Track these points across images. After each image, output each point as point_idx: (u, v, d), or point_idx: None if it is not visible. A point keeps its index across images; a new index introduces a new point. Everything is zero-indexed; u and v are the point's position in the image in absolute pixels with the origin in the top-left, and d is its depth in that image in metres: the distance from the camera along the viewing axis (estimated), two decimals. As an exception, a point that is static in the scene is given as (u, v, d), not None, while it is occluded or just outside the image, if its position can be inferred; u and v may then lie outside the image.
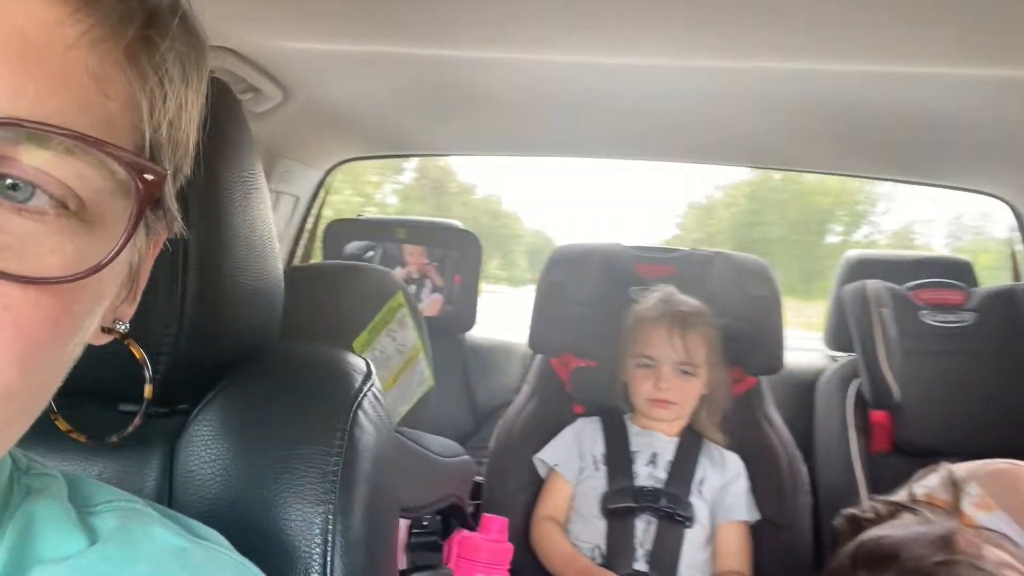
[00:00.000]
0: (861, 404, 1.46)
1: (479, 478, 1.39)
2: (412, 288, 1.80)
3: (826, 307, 1.73)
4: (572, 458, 1.31)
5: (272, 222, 0.62)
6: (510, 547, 1.06)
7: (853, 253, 1.71)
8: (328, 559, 0.49)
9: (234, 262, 0.55)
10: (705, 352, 1.30)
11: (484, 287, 1.91)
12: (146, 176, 0.33)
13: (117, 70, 0.32)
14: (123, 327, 0.41)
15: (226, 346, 0.56)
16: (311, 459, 0.51)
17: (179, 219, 0.41)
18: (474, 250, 1.70)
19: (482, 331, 1.78)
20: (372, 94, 1.38)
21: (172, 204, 0.40)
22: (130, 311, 0.41)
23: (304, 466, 0.51)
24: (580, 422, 1.36)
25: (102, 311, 0.36)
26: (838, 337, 1.66)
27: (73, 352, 0.35)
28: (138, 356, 0.46)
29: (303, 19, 1.06)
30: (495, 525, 1.07)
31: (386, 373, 0.88)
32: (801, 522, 1.28)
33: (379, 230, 1.68)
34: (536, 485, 1.34)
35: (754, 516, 1.28)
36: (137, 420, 0.47)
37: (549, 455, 1.33)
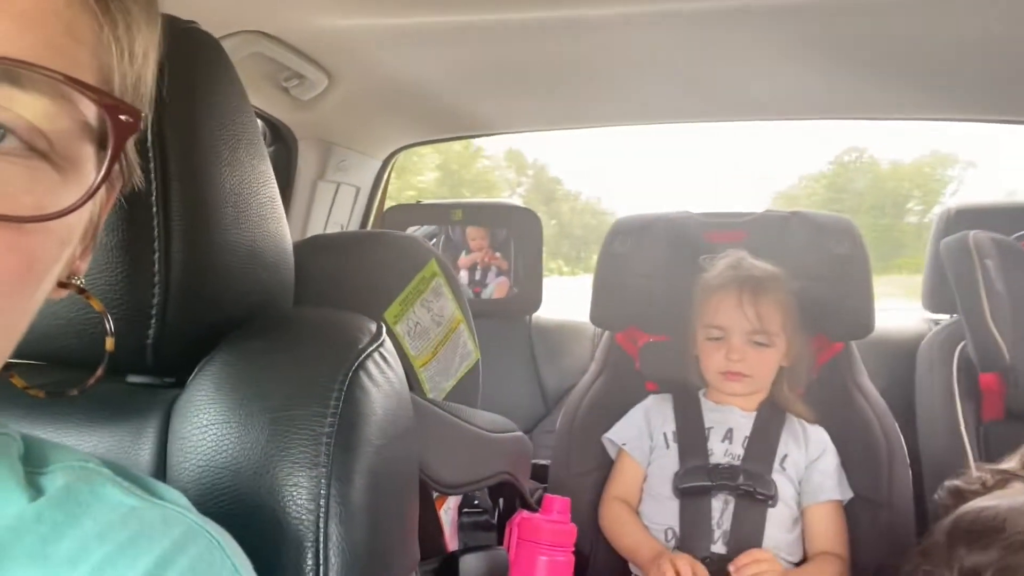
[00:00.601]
0: (968, 368, 1.32)
1: (543, 461, 1.34)
2: (477, 273, 1.76)
3: (924, 267, 1.58)
4: (642, 437, 1.23)
5: (273, 179, 0.59)
6: (574, 527, 1.01)
7: (951, 204, 1.55)
8: (321, 526, 0.45)
9: (223, 220, 0.52)
10: (781, 320, 1.19)
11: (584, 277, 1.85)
12: (121, 117, 0.32)
13: (86, 14, 0.32)
14: (79, 281, 0.40)
15: (222, 310, 0.54)
16: (303, 421, 0.48)
17: (138, 169, 0.41)
18: (534, 228, 1.65)
19: (548, 312, 1.72)
20: (420, 72, 1.34)
21: (132, 153, 0.40)
22: (84, 266, 0.40)
23: (295, 428, 0.47)
24: (650, 399, 1.29)
25: (65, 261, 0.36)
26: (938, 298, 1.52)
27: (38, 300, 0.34)
28: (98, 308, 0.44)
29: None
30: (557, 505, 1.01)
31: (424, 345, 0.84)
32: (902, 498, 1.16)
33: (437, 213, 1.65)
34: (605, 467, 1.27)
35: (846, 495, 1.17)
36: (99, 372, 0.44)
37: (617, 434, 1.26)
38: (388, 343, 0.58)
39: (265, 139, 1.51)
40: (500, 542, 0.96)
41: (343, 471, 0.47)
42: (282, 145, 1.50)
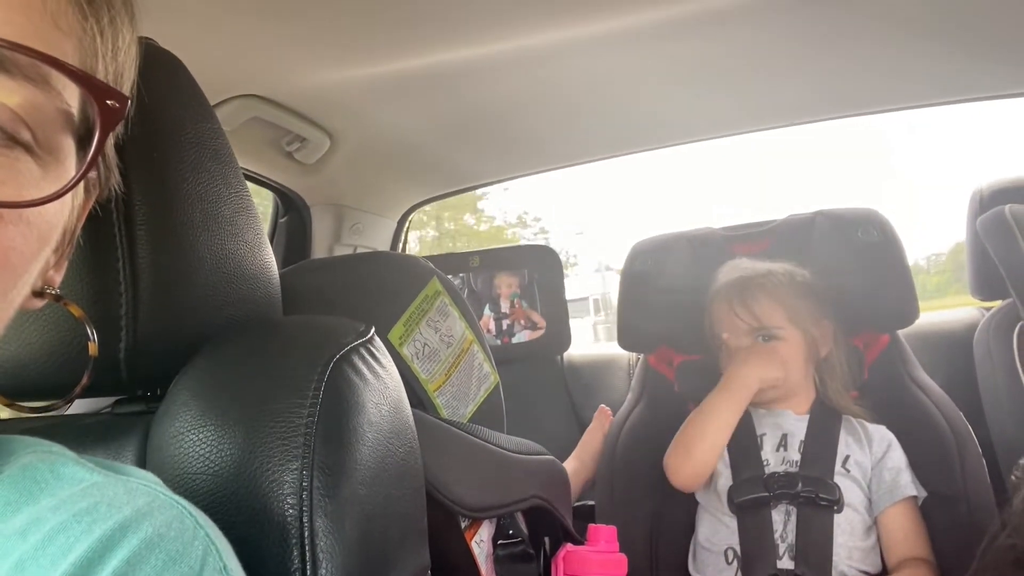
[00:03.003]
0: (1030, 347, 1.23)
1: (591, 502, 1.27)
2: (504, 324, 1.73)
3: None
4: None
5: (247, 191, 0.58)
6: (623, 557, 0.93)
7: (984, 184, 1.48)
8: (306, 521, 0.42)
9: (191, 224, 0.51)
10: (783, 312, 1.15)
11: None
12: (108, 102, 0.32)
13: (72, 5, 0.32)
14: (54, 291, 0.39)
15: (198, 321, 0.51)
16: (280, 414, 0.45)
17: (116, 173, 0.41)
18: (555, 266, 1.62)
19: (579, 349, 1.67)
20: (417, 123, 1.36)
21: (112, 154, 0.40)
22: (58, 278, 0.39)
23: (273, 422, 0.44)
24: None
25: (43, 262, 0.35)
26: (986, 284, 1.43)
27: (13, 301, 0.33)
28: (77, 315, 0.44)
29: (327, 50, 1.06)
30: (603, 535, 0.95)
31: (435, 368, 0.81)
32: (979, 489, 1.06)
33: (455, 263, 1.63)
34: (654, 497, 1.20)
35: (921, 492, 1.08)
36: (85, 380, 0.43)
37: None
38: (377, 342, 0.55)
39: (277, 210, 1.53)
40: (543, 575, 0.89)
41: (327, 463, 0.44)
42: (295, 214, 1.52)
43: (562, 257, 1.87)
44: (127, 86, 0.38)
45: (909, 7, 1.06)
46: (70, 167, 0.33)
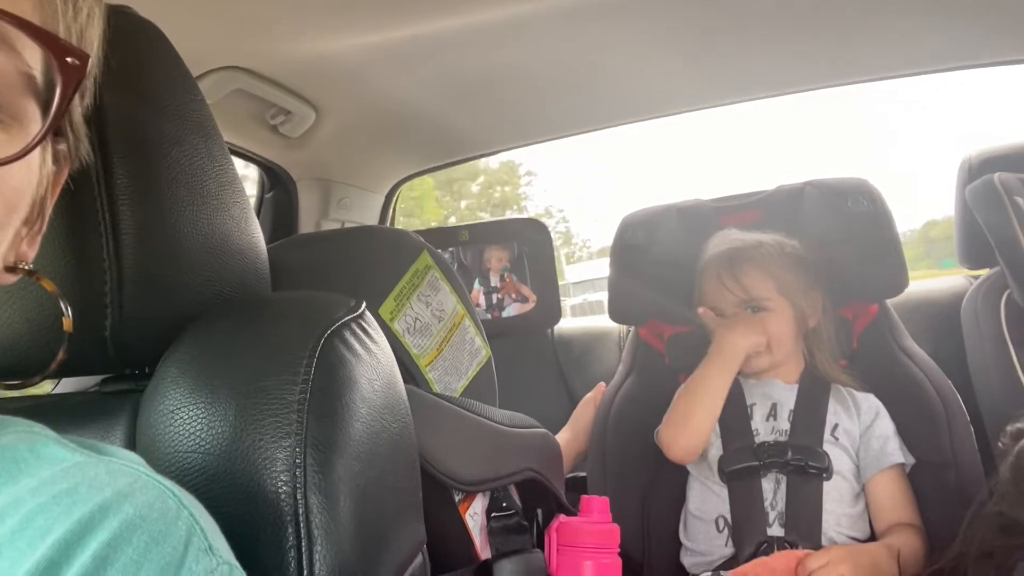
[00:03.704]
0: (1017, 314, 1.24)
1: (582, 473, 1.28)
2: (494, 299, 1.72)
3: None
4: None
5: (232, 165, 0.57)
6: (616, 528, 0.94)
7: (973, 153, 1.48)
8: (300, 498, 0.41)
9: (175, 199, 0.49)
10: (772, 284, 1.15)
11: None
12: (68, 60, 0.31)
13: None
14: (27, 266, 0.38)
15: (186, 297, 0.50)
16: (272, 391, 0.44)
17: (85, 141, 0.40)
18: (544, 239, 1.61)
19: (570, 321, 1.67)
20: (403, 94, 1.34)
21: (79, 121, 0.39)
22: (32, 253, 0.38)
23: (265, 399, 0.44)
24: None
25: (12, 231, 0.34)
26: (974, 252, 1.44)
27: None
28: (50, 289, 0.42)
29: (311, 19, 1.03)
30: (596, 506, 0.95)
31: (427, 342, 0.80)
32: (967, 456, 1.08)
33: (443, 237, 1.62)
34: (646, 469, 1.20)
35: (909, 459, 1.09)
36: (61, 355, 0.42)
37: None
38: (369, 317, 0.54)
39: (263, 185, 1.51)
40: (536, 547, 0.90)
41: (321, 439, 0.43)
42: (281, 189, 1.50)
43: (576, 241, 1.86)
44: (92, 48, 0.37)
45: None
46: (34, 131, 0.32)
